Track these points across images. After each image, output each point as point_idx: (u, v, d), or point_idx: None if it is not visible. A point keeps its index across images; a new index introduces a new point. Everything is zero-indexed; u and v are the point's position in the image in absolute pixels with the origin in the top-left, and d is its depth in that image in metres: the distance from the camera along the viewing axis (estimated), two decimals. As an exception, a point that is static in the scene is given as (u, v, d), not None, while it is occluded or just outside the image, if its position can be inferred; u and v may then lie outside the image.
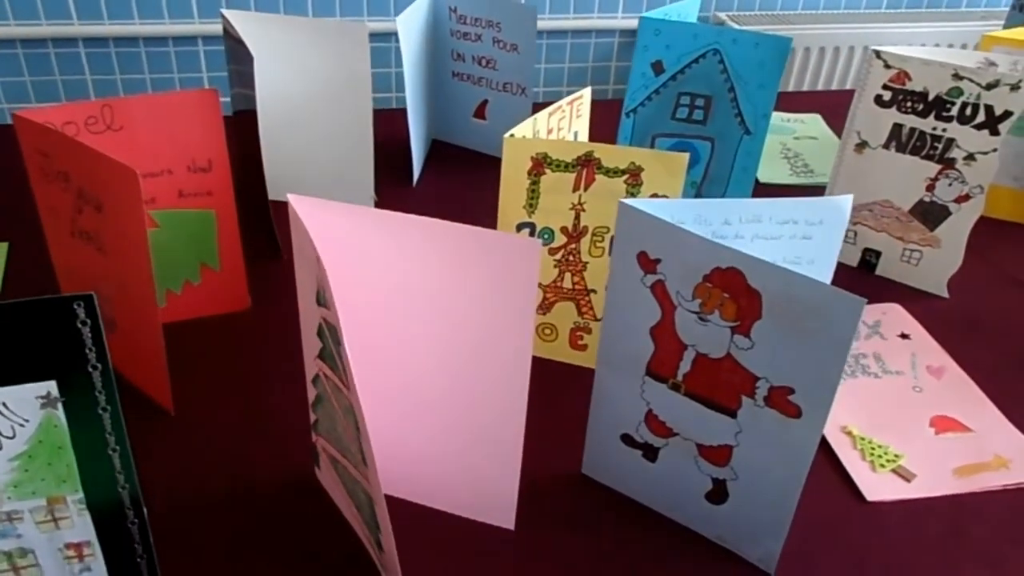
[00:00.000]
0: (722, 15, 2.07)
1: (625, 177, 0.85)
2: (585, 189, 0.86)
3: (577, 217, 0.88)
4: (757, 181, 1.35)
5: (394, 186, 1.27)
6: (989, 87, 0.98)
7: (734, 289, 0.62)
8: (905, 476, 0.83)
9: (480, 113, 1.34)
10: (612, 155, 0.84)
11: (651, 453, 0.75)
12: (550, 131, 0.92)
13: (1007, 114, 0.98)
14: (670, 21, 1.08)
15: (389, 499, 0.77)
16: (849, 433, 0.87)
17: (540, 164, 0.85)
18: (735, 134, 1.12)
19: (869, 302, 1.06)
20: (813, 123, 1.55)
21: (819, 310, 0.59)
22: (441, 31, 1.30)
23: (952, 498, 0.82)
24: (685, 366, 0.69)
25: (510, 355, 0.65)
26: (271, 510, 0.77)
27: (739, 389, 0.66)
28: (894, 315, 1.05)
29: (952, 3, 2.23)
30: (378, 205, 1.20)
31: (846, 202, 0.69)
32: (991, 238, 1.25)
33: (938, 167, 1.05)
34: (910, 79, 1.02)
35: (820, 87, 2.15)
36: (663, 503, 0.77)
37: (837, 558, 0.75)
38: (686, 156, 0.83)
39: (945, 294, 1.10)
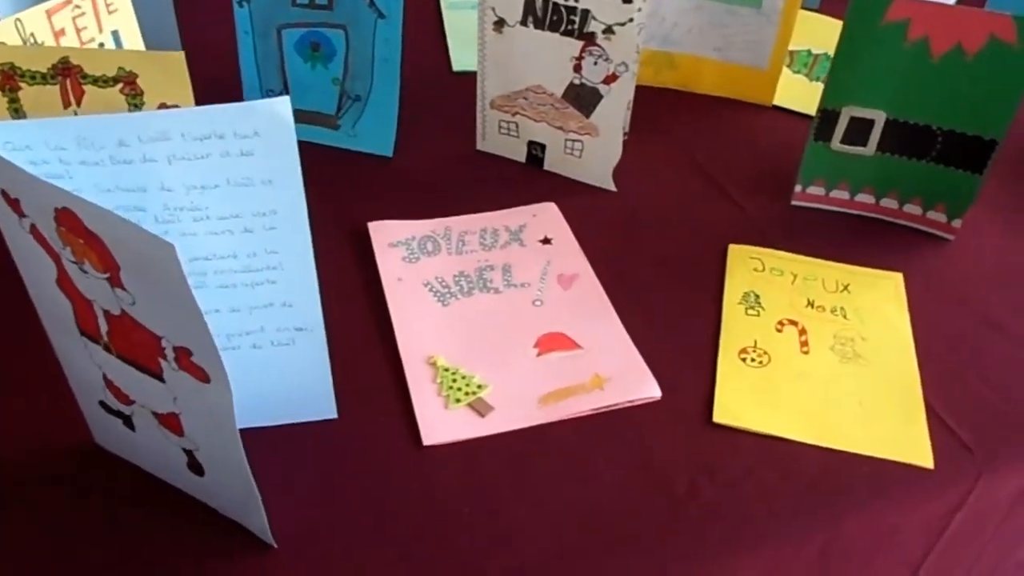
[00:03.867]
0: None
1: (120, 87, 0.70)
2: (79, 104, 0.71)
3: (82, 139, 0.73)
4: (451, 69, 1.22)
5: None
6: (610, -55, 0.84)
7: (82, 234, 0.49)
8: (480, 411, 0.73)
9: (123, 11, 1.16)
10: (95, 60, 0.69)
11: (128, 421, 0.63)
12: (61, 33, 0.76)
13: (634, -23, 0.85)
14: None
15: None
16: (434, 364, 0.77)
17: (11, 77, 0.69)
18: (368, 19, 0.96)
19: (528, 202, 0.96)
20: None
21: (146, 256, 0.46)
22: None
23: (528, 431, 0.72)
24: (103, 324, 0.56)
25: None
26: None
27: (151, 351, 0.54)
28: (544, 217, 0.94)
29: None
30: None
31: (283, 105, 0.55)
32: (692, 117, 1.13)
33: (580, 44, 0.91)
34: (530, -59, 0.87)
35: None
36: (165, 473, 0.66)
37: (363, 521, 0.65)
38: (182, 55, 0.68)
39: (612, 187, 0.99)
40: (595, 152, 0.97)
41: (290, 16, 0.98)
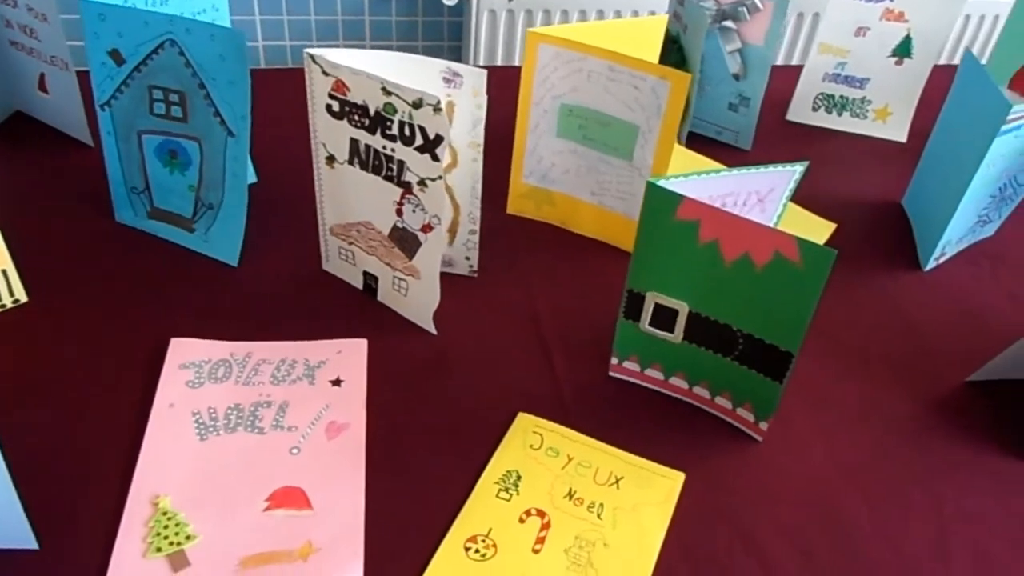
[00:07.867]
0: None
1: None
2: None
3: None
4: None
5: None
6: (416, 106, 0.84)
7: None
8: (175, 565, 0.73)
9: (43, 86, 1.22)
10: None
11: None
12: None
13: (440, 138, 0.84)
14: (114, 5, 0.94)
15: None
16: (156, 505, 0.77)
17: None
18: (219, 135, 0.99)
19: (354, 331, 0.95)
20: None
21: None
22: (-14, -8, 1.17)
23: (213, 595, 0.72)
24: None
25: None
26: None
27: None
28: (348, 355, 0.94)
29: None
30: None
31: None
32: (556, 259, 1.11)
33: (400, 190, 0.91)
34: (349, 90, 0.88)
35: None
36: None
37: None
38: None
39: (432, 329, 0.98)
40: (417, 293, 0.97)
41: (149, 123, 1.01)
